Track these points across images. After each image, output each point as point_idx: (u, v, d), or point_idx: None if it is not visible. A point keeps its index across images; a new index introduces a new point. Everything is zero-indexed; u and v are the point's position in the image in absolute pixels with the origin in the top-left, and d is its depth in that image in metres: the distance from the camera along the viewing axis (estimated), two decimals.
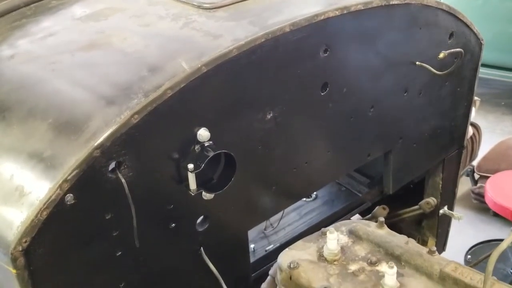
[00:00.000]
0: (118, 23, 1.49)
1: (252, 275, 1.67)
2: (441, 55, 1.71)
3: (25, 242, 1.03)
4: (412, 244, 1.63)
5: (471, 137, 3.60)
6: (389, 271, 1.41)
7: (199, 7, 1.50)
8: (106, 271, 1.21)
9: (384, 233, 1.68)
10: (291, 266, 1.57)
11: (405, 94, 1.92)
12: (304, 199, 2.28)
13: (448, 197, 2.52)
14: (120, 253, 1.22)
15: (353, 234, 1.70)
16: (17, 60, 1.39)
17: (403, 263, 1.55)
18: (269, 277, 1.74)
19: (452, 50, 1.75)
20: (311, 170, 1.67)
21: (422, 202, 2.39)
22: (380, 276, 1.48)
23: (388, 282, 1.43)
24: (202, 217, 1.40)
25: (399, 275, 1.48)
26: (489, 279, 1.30)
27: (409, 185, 2.54)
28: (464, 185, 3.92)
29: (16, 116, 1.24)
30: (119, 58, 1.33)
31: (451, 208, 2.56)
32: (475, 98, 3.81)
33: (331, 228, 1.60)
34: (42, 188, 1.06)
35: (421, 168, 2.24)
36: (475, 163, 3.90)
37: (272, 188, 1.57)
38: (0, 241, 1.05)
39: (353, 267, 1.57)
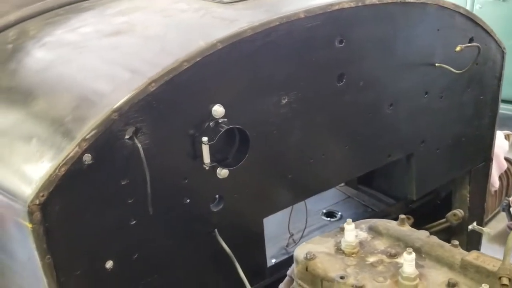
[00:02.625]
0: (142, 16, 1.59)
1: None
2: (458, 48, 1.72)
3: (42, 196, 1.06)
4: (434, 239, 1.59)
5: (506, 172, 3.52)
6: (407, 258, 1.37)
7: (219, 2, 1.58)
8: (120, 238, 1.22)
9: (405, 229, 1.65)
10: (307, 257, 1.55)
11: (425, 96, 1.93)
12: (328, 218, 2.26)
13: (477, 212, 2.44)
14: (134, 222, 1.24)
15: (373, 230, 1.67)
16: (48, 46, 1.49)
17: (423, 255, 1.50)
18: (287, 277, 1.71)
19: (469, 44, 1.75)
20: (328, 163, 1.67)
21: (449, 214, 2.32)
22: (399, 267, 1.44)
23: (406, 269, 1.38)
24: (217, 197, 1.41)
25: (419, 266, 1.44)
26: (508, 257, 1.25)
27: (436, 201, 2.49)
28: (500, 222, 3.79)
29: (43, 91, 1.32)
30: (140, 41, 1.41)
31: (480, 225, 2.47)
32: (508, 132, 3.75)
33: (349, 219, 1.57)
34: (62, 147, 1.11)
35: (446, 176, 2.19)
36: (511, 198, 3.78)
37: (287, 177, 1.57)
38: (19, 196, 1.09)
39: (371, 259, 1.53)
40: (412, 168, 2.02)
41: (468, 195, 2.35)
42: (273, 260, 1.86)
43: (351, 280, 1.42)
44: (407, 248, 1.38)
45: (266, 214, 1.57)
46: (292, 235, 2.02)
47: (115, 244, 1.22)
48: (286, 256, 1.89)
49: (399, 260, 1.48)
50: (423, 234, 1.59)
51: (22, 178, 1.12)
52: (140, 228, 1.25)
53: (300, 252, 1.59)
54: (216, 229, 1.42)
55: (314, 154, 1.62)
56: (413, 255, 1.37)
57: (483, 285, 1.20)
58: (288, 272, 1.69)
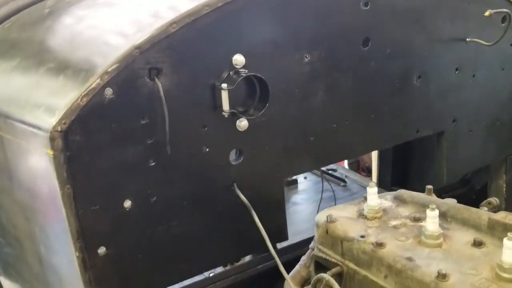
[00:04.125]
0: None
1: None
2: (487, 13, 1.68)
3: (64, 123, 1.10)
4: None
5: None
6: (430, 214, 1.32)
7: None
8: (139, 179, 1.24)
9: (431, 197, 1.60)
10: (328, 220, 1.52)
11: (456, 72, 1.88)
12: None
13: None
14: (153, 164, 1.26)
15: (398, 199, 1.63)
16: (80, 6, 1.56)
17: (449, 219, 1.45)
18: (309, 250, 1.68)
19: (499, 10, 1.70)
20: (353, 131, 1.65)
21: (483, 202, 2.21)
22: (423, 230, 1.38)
23: (429, 227, 1.33)
24: (236, 150, 1.41)
25: (444, 229, 1.38)
26: None
27: (471, 195, 2.39)
28: None
29: (75, 38, 1.38)
30: None
31: None
32: None
33: (372, 182, 1.53)
34: (85, 80, 1.15)
35: (479, 161, 2.11)
36: None
37: (309, 139, 1.56)
38: (43, 126, 1.13)
39: (394, 222, 1.48)
40: (442, 148, 1.97)
41: (505, 185, 2.25)
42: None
43: (371, 239, 1.38)
44: (430, 205, 1.34)
45: (287, 176, 1.56)
46: None
47: (134, 183, 1.24)
48: None
49: (423, 224, 1.42)
50: (450, 201, 1.53)
51: (46, 110, 1.16)
52: (159, 170, 1.27)
53: (321, 216, 1.56)
54: (235, 183, 1.42)
55: (338, 119, 1.61)
56: (437, 212, 1.32)
57: (508, 234, 1.13)
58: (311, 245, 1.66)
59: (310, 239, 1.67)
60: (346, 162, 5.10)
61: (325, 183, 2.67)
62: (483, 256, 1.25)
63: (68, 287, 1.36)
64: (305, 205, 2.53)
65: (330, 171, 2.87)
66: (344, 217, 1.54)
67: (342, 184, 2.74)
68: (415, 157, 2.18)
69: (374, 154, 2.54)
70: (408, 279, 1.23)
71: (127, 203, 1.24)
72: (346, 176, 2.84)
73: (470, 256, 1.25)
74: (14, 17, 1.74)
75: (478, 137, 2.04)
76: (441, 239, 1.32)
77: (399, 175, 2.28)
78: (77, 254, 1.19)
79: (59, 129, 1.10)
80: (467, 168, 2.10)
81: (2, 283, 2.41)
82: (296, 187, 2.76)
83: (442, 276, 1.15)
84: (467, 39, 1.84)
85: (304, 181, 2.84)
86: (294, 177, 2.81)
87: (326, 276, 1.37)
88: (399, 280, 1.26)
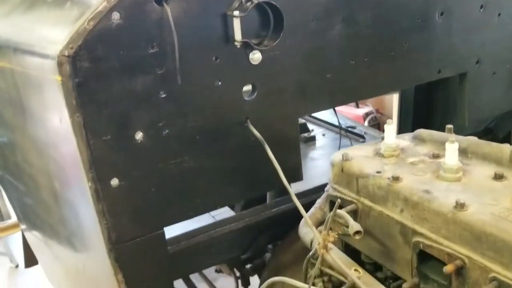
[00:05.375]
0: None
1: None
2: None
3: (71, 48, 1.08)
4: None
5: None
6: (449, 147, 1.27)
7: None
8: (150, 110, 1.22)
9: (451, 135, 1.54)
10: (344, 159, 1.48)
11: (481, 10, 1.79)
12: None
13: None
14: (164, 95, 1.23)
15: (416, 138, 1.58)
16: None
17: (469, 155, 1.40)
18: (324, 193, 1.65)
19: None
20: (371, 68, 1.59)
21: None
22: (441, 165, 1.34)
23: (448, 160, 1.29)
24: (249, 85, 1.38)
25: (464, 164, 1.33)
26: None
27: None
28: None
29: None
30: None
31: None
32: None
33: (389, 120, 1.49)
34: (92, 3, 1.12)
35: (502, 105, 2.03)
36: None
37: (326, 76, 1.51)
38: (50, 53, 1.11)
39: (412, 159, 1.44)
40: (465, 91, 1.89)
41: None
42: None
43: (387, 174, 1.35)
44: (449, 137, 1.29)
45: (302, 113, 1.52)
46: None
47: (145, 115, 1.22)
48: None
49: (442, 160, 1.38)
50: (471, 137, 1.47)
51: (54, 38, 1.13)
52: (170, 102, 1.25)
53: (336, 156, 1.53)
54: (248, 119, 1.39)
55: (356, 56, 1.55)
56: (456, 144, 1.27)
57: None
58: (326, 188, 1.63)
59: (324, 185, 1.64)
60: (367, 121, 5.05)
61: (344, 140, 2.63)
62: (504, 189, 1.20)
63: (82, 221, 1.37)
64: (323, 160, 2.50)
65: (349, 128, 2.82)
66: (360, 156, 1.51)
67: (361, 140, 2.68)
68: (437, 102, 2.11)
69: (395, 100, 2.48)
70: (425, 211, 1.20)
71: (139, 135, 1.23)
72: (365, 132, 2.78)
73: (490, 189, 1.21)
74: None
75: (502, 80, 1.96)
76: (461, 173, 1.28)
77: (420, 120, 2.22)
78: (90, 184, 1.19)
79: (66, 53, 1.08)
80: (490, 113, 2.03)
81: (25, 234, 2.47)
82: (314, 143, 2.72)
83: (460, 206, 1.12)
84: None
85: (322, 137, 2.80)
86: (312, 134, 2.78)
87: (341, 211, 1.35)
88: (416, 213, 1.23)
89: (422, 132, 1.57)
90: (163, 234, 1.34)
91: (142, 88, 1.20)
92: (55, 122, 1.22)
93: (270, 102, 1.43)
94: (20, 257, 3.63)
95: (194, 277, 2.72)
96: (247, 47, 1.31)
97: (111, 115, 1.18)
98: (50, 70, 1.11)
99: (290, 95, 1.46)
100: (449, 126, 1.56)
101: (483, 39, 1.84)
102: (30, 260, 2.70)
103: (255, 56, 1.33)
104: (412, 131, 2.28)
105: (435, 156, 1.42)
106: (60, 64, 1.08)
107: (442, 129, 1.57)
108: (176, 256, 1.54)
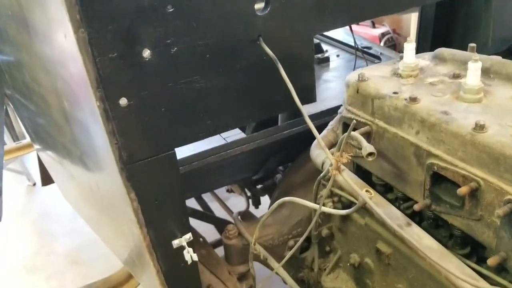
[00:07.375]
0: None
1: None
2: None
3: None
4: None
5: None
6: (472, 66, 1.21)
7: None
8: (156, 25, 1.15)
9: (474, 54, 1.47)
10: (359, 79, 1.43)
11: None
12: None
13: None
14: (171, 9, 1.17)
15: (437, 58, 1.51)
16: None
17: (492, 75, 1.33)
18: (337, 115, 1.61)
19: None
20: None
21: None
22: (462, 85, 1.28)
23: (470, 80, 1.23)
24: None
25: (485, 85, 1.28)
26: None
27: None
28: None
29: None
30: None
31: None
32: None
33: (409, 38, 1.41)
34: None
35: None
36: None
37: None
38: None
39: (431, 80, 1.39)
40: (491, 7, 1.78)
41: None
42: None
43: (405, 95, 1.30)
44: (473, 56, 1.22)
45: (317, 31, 1.45)
46: None
47: (152, 31, 1.16)
48: None
49: (463, 80, 1.32)
50: (495, 57, 1.40)
51: None
52: (177, 17, 1.18)
53: (352, 76, 1.48)
54: (260, 37, 1.32)
55: None
56: (479, 63, 1.21)
57: None
58: (339, 110, 1.59)
59: (337, 107, 1.60)
60: (383, 41, 4.88)
61: (359, 61, 2.53)
62: None
63: (93, 141, 1.36)
64: (336, 82, 2.43)
65: (364, 48, 2.71)
66: (376, 76, 1.45)
67: (377, 61, 2.59)
68: (459, 20, 2.00)
69: (413, 20, 2.35)
70: (442, 132, 1.16)
71: (146, 53, 1.18)
72: (381, 53, 2.68)
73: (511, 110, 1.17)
74: None
75: None
76: (481, 94, 1.23)
77: (439, 42, 2.12)
78: (98, 104, 1.16)
79: None
80: None
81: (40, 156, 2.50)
82: (328, 65, 2.64)
83: (480, 127, 1.08)
84: None
85: (337, 59, 2.71)
86: (326, 55, 2.68)
87: (354, 133, 1.32)
88: (432, 135, 1.19)
89: (443, 51, 1.49)
90: (174, 154, 1.33)
91: (148, 1, 1.13)
92: (60, 38, 1.16)
93: (284, 17, 1.35)
94: (36, 176, 3.73)
95: (206, 196, 2.78)
96: None
97: (116, 31, 1.12)
98: None
99: (306, 10, 1.38)
100: (472, 44, 1.47)
101: None
102: (46, 178, 2.77)
103: None
104: (431, 48, 2.20)
105: (456, 76, 1.36)
106: None
107: (462, 49, 1.50)
108: (188, 176, 1.55)
